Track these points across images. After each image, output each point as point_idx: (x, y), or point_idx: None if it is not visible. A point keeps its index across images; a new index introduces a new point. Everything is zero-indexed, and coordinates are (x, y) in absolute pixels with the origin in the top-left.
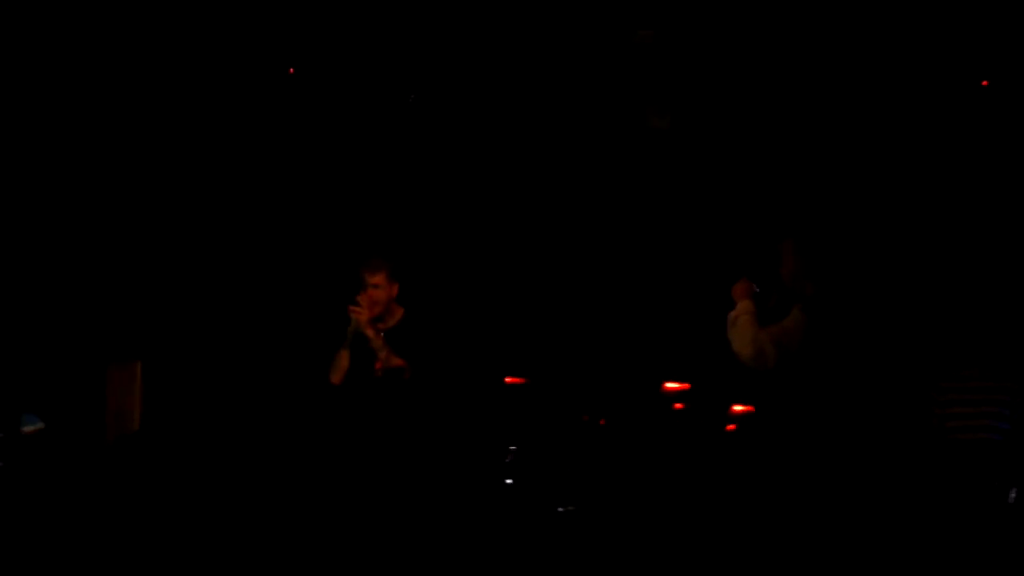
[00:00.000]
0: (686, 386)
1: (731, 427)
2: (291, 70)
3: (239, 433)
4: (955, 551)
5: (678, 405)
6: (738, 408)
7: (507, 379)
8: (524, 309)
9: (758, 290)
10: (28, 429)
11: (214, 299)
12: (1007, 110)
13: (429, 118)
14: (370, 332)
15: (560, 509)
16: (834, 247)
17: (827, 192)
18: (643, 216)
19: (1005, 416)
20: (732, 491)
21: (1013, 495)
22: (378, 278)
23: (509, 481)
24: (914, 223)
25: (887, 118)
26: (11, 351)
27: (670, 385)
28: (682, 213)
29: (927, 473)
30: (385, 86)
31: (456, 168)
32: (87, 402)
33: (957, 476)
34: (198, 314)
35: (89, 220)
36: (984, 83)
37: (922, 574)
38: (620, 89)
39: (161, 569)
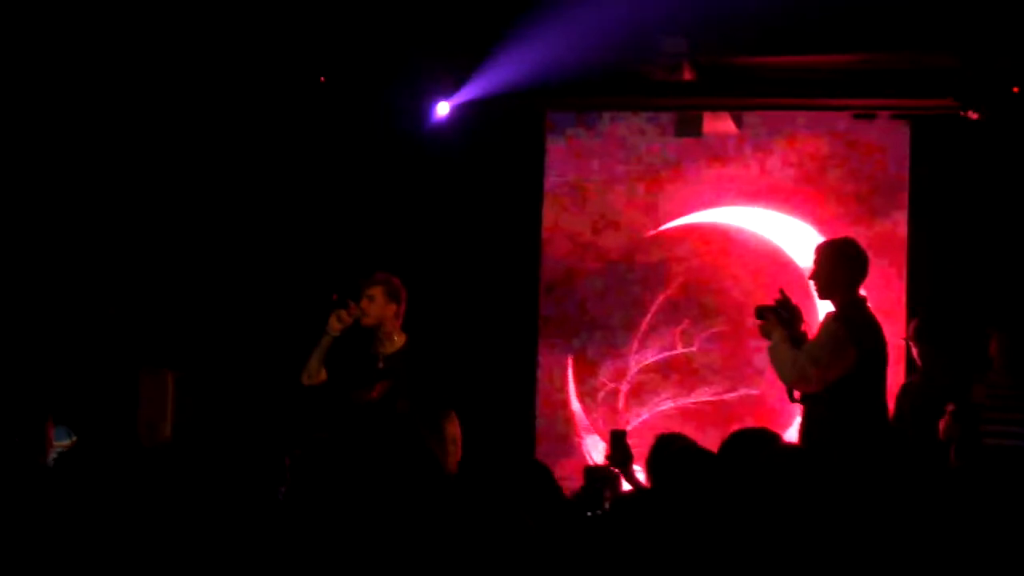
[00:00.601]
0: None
1: None
2: (322, 79)
3: (269, 442)
4: (986, 558)
5: None
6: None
7: None
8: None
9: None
10: (61, 444)
11: (246, 309)
12: None
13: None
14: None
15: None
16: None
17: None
18: None
19: None
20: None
21: None
22: (374, 291)
23: None
24: None
25: None
26: (43, 361)
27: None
28: None
29: (957, 478)
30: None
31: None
32: (119, 412)
33: (988, 482)
34: (230, 324)
35: (122, 230)
36: None
37: None
38: None
39: None
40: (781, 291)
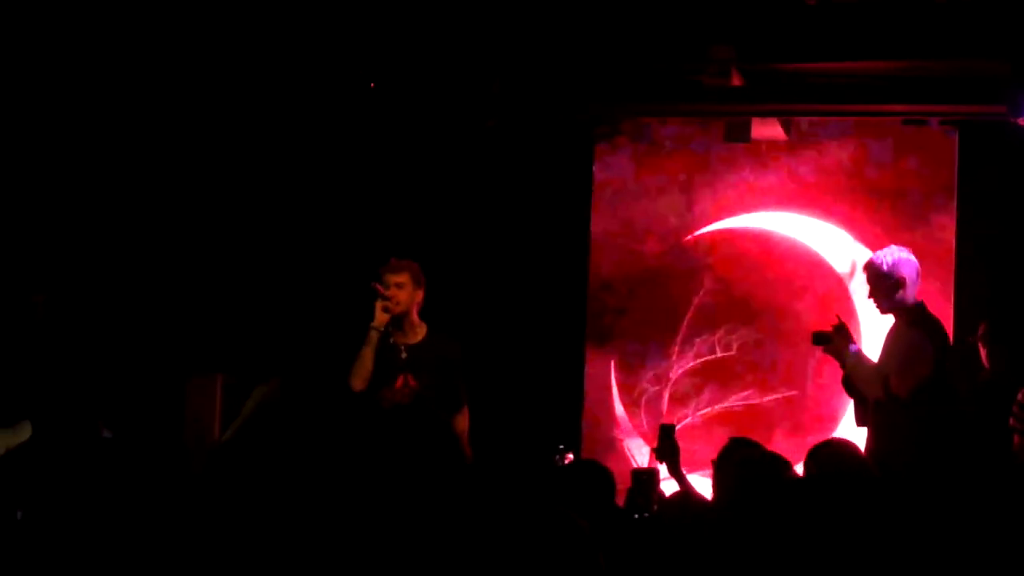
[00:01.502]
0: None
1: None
2: (372, 84)
3: (315, 446)
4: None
5: None
6: None
7: None
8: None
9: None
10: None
11: (297, 313)
12: None
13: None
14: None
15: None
16: None
17: None
18: None
19: None
20: None
21: None
22: (401, 278)
23: None
24: None
25: None
26: (92, 363)
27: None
28: None
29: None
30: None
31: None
32: (166, 415)
33: None
34: (281, 328)
35: (173, 233)
36: None
37: None
38: None
39: None
40: (838, 317)
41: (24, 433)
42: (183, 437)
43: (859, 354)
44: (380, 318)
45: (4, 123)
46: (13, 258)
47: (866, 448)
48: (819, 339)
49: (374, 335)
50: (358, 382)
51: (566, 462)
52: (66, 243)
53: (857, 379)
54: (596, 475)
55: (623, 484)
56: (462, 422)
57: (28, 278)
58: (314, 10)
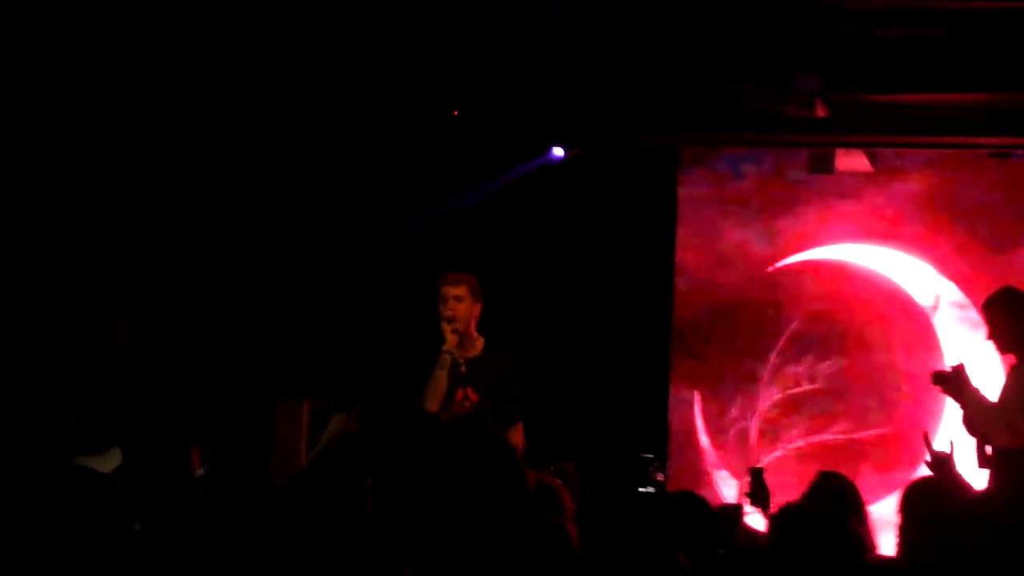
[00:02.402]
0: None
1: None
2: (455, 112)
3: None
4: None
5: None
6: None
7: None
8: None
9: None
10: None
11: (384, 341)
12: None
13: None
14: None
15: None
16: None
17: None
18: None
19: None
20: None
21: None
22: (460, 290)
23: None
24: None
25: None
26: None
27: None
28: None
29: None
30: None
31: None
32: (255, 440)
33: None
34: (368, 356)
35: (264, 262)
36: None
37: None
38: None
39: None
40: (958, 358)
41: (114, 460)
42: (270, 462)
43: (978, 396)
44: (451, 340)
45: (93, 152)
46: (98, 283)
47: (987, 492)
48: (938, 379)
49: (447, 358)
50: (433, 404)
51: (658, 477)
52: (155, 269)
53: (977, 419)
54: (694, 507)
55: None
56: (516, 436)
57: (112, 304)
58: (400, 38)
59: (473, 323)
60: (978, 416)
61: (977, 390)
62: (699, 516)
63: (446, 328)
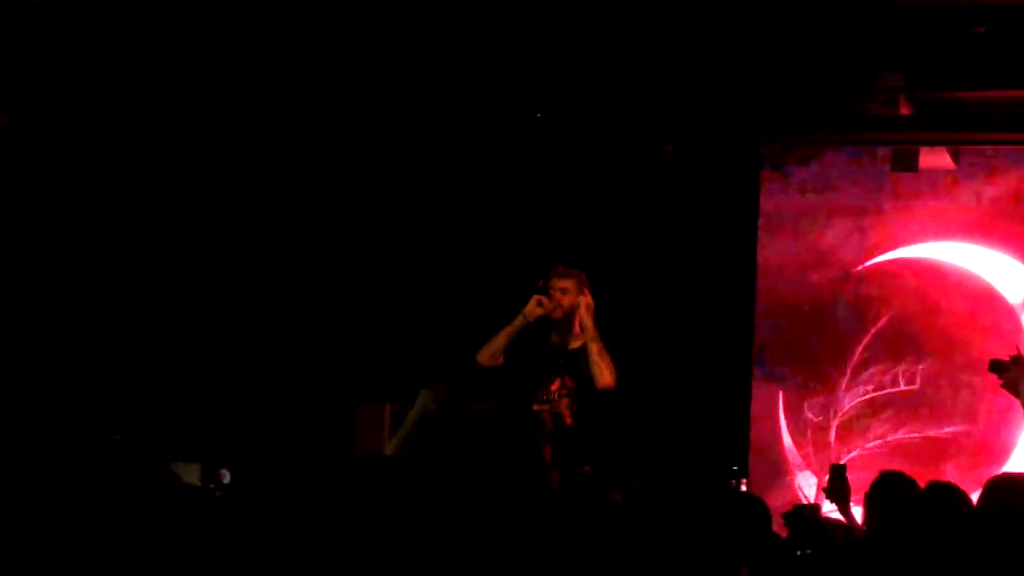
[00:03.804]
0: None
1: None
2: (538, 115)
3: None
4: None
5: None
6: None
7: None
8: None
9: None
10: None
11: (464, 344)
12: None
13: None
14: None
15: None
16: None
17: None
18: None
19: None
20: None
21: None
22: (566, 283)
23: None
24: None
25: None
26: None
27: None
28: None
29: None
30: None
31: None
32: (338, 442)
33: None
34: (448, 358)
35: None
36: None
37: None
38: None
39: None
40: (1018, 348)
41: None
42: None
43: None
44: (532, 309)
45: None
46: (178, 290)
47: None
48: (996, 367)
49: (520, 320)
50: (484, 358)
51: (743, 488)
52: (232, 274)
53: None
54: (753, 509)
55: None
56: (591, 431)
57: (191, 310)
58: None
59: (578, 319)
60: None
61: None
62: (757, 518)
63: (533, 298)
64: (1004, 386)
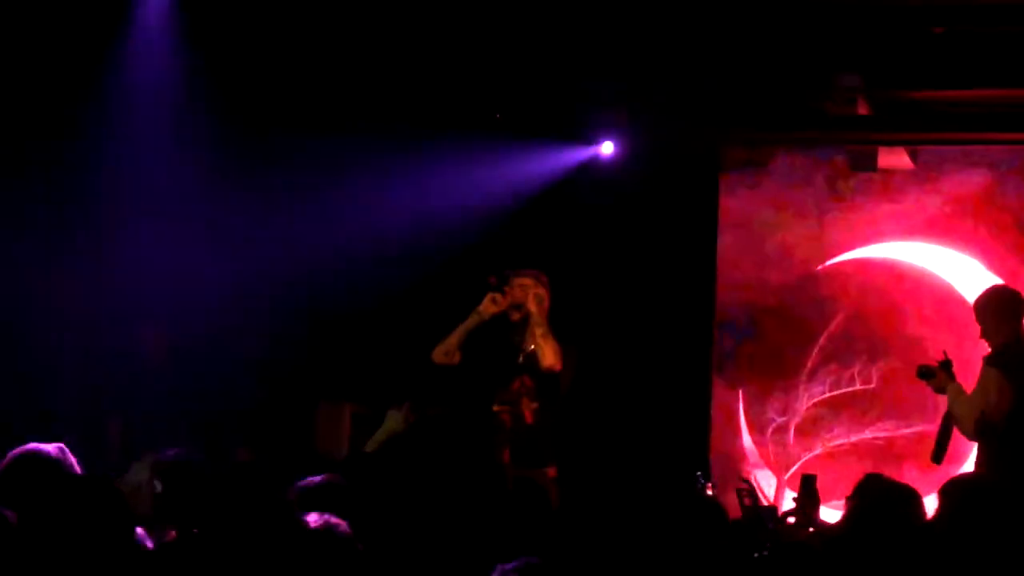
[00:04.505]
0: None
1: None
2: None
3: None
4: None
5: None
6: None
7: None
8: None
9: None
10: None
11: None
12: None
13: None
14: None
15: None
16: None
17: None
18: None
19: None
20: None
21: None
22: (525, 280)
23: None
24: None
25: None
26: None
27: None
28: None
29: None
30: None
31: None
32: (296, 440)
33: None
34: (409, 360)
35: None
36: None
37: None
38: None
39: None
40: (944, 353)
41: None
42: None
43: (961, 389)
44: (487, 306)
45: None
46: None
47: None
48: (923, 373)
49: (475, 318)
50: (439, 355)
51: (708, 492)
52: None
53: (957, 412)
54: (709, 513)
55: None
56: (552, 429)
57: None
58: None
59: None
60: (957, 406)
61: (958, 386)
62: (712, 520)
63: (487, 296)
64: (936, 391)
